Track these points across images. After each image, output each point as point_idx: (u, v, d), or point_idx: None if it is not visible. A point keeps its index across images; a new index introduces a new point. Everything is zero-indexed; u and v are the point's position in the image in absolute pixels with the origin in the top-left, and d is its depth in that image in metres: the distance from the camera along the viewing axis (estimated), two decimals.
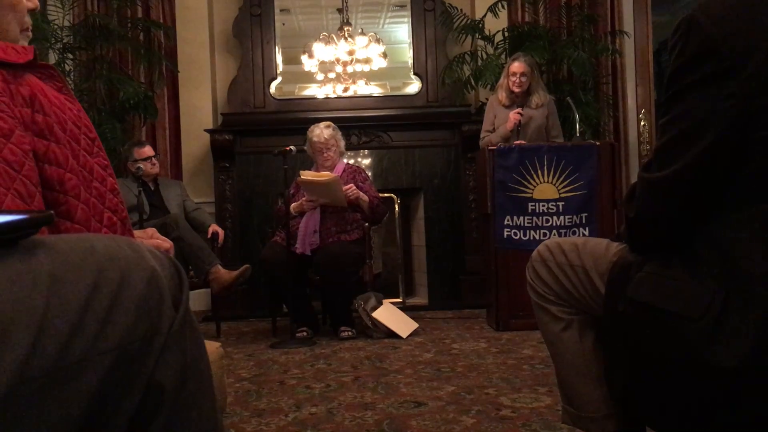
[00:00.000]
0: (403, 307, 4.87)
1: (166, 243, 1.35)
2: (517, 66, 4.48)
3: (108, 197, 1.23)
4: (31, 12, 1.28)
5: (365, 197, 4.31)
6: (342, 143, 4.50)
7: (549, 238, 3.78)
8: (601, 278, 1.50)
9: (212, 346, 1.53)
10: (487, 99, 4.94)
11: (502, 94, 4.57)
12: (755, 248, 1.18)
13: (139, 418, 0.70)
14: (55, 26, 4.92)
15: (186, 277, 0.80)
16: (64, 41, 4.99)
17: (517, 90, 4.49)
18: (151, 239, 1.34)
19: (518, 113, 4.40)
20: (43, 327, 0.65)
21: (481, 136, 4.65)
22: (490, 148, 4.21)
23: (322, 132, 4.38)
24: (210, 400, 0.78)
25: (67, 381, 0.65)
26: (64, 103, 1.23)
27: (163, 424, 0.72)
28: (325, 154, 4.39)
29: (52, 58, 4.99)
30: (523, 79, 4.47)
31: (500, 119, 4.53)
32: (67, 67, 5.01)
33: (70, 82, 5.05)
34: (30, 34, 1.29)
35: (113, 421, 0.68)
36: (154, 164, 4.65)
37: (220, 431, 0.80)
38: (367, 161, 5.51)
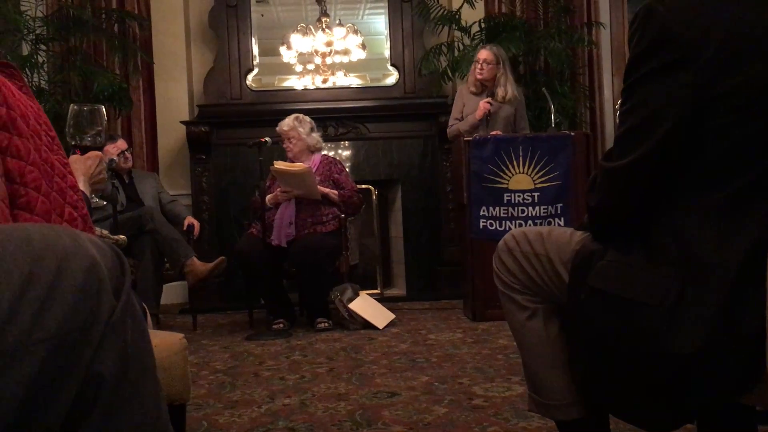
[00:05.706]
0: (381, 298, 4.87)
1: (95, 153, 1.41)
2: (482, 53, 4.48)
3: (69, 193, 1.22)
4: None
5: (333, 193, 4.31)
6: (309, 137, 4.41)
7: None
8: (565, 267, 1.51)
9: (175, 338, 1.52)
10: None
11: (471, 82, 4.54)
12: (710, 236, 1.20)
13: (77, 408, 0.70)
14: (28, 17, 4.86)
15: (128, 265, 0.79)
16: (37, 32, 4.93)
17: (479, 77, 4.46)
18: (85, 160, 1.39)
19: (488, 102, 4.34)
20: None
21: (450, 124, 4.61)
22: (465, 138, 4.20)
23: (285, 122, 4.42)
24: (153, 389, 0.78)
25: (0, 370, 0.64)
26: (26, 101, 1.22)
27: (102, 414, 0.71)
28: (285, 144, 4.42)
29: (25, 49, 4.94)
30: (487, 66, 4.43)
31: (469, 107, 4.49)
32: (40, 59, 4.94)
33: (44, 74, 4.99)
34: None
35: (50, 411, 0.68)
36: (127, 158, 4.61)
37: (164, 420, 0.80)
38: (345, 153, 5.50)
